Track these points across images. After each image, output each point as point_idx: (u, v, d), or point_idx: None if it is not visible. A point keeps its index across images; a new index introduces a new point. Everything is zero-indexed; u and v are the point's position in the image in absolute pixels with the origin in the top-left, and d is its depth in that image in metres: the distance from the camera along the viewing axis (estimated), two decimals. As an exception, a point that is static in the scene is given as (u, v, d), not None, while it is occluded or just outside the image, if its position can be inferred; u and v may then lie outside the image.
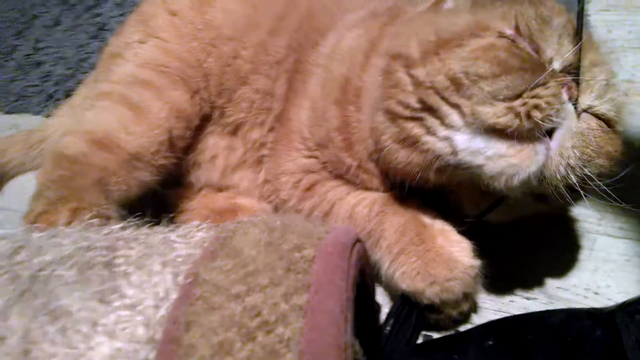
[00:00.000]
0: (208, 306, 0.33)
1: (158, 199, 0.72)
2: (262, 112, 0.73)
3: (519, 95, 0.49)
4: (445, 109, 0.52)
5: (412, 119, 0.55)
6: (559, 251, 0.69)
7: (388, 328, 0.59)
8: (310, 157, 0.68)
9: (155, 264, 0.39)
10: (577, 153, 0.51)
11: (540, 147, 0.50)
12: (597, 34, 0.94)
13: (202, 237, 0.44)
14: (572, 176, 0.51)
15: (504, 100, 0.49)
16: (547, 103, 0.49)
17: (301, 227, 0.42)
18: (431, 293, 0.58)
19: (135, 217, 0.56)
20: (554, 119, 0.50)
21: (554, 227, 0.71)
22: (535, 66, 0.50)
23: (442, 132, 0.53)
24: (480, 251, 0.60)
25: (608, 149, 0.55)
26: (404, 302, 0.61)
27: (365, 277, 0.52)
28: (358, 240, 0.45)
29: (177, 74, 0.71)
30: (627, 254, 0.68)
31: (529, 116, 0.49)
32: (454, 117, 0.52)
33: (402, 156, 0.57)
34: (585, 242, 0.70)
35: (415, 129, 0.54)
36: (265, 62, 0.72)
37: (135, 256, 0.40)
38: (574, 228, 0.72)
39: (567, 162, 0.51)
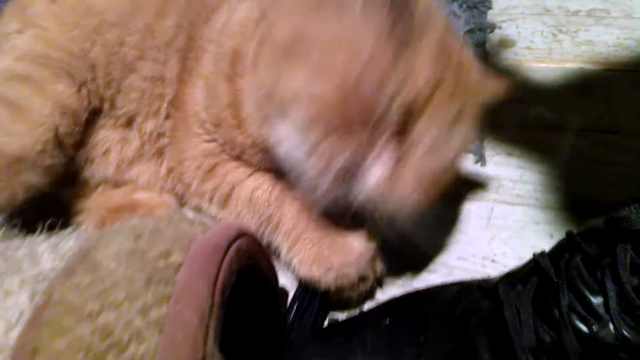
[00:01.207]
0: (57, 329, 0.32)
1: (53, 201, 0.69)
2: (154, 100, 0.69)
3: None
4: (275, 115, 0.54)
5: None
6: (458, 223, 0.71)
7: (292, 314, 0.60)
8: (210, 141, 0.66)
9: (13, 283, 0.37)
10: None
11: (338, 187, 0.53)
12: (499, 2, 0.97)
13: (71, 247, 0.42)
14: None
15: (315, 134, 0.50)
16: (350, 156, 0.51)
17: (173, 230, 0.41)
18: (327, 280, 0.59)
19: (13, 225, 0.54)
20: (354, 171, 0.52)
21: (452, 198, 0.73)
22: (354, 116, 0.50)
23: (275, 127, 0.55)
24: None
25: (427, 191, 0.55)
26: (305, 287, 0.62)
27: (260, 268, 0.52)
28: (240, 236, 0.44)
29: (60, 65, 0.66)
30: (523, 220, 0.70)
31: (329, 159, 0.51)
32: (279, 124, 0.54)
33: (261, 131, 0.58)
34: (482, 211, 0.72)
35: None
36: (152, 46, 0.68)
37: (-9, 275, 0.38)
38: (471, 198, 0.74)
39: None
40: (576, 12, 0.93)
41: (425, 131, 0.50)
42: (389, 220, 0.54)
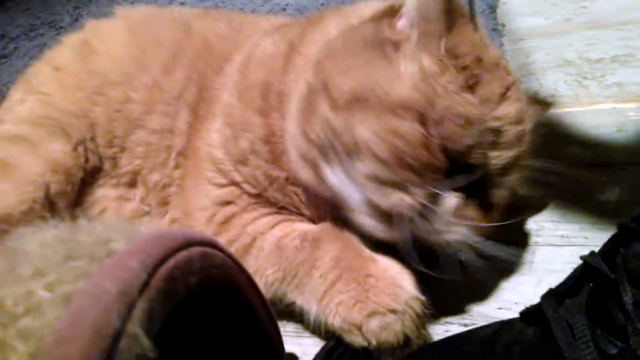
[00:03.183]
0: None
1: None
2: (161, 152, 0.66)
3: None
4: (345, 158, 0.49)
5: (317, 146, 0.51)
6: (496, 271, 0.61)
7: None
8: (225, 185, 0.61)
9: None
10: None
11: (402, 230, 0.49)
12: (516, 60, 0.94)
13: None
14: None
15: (383, 184, 0.47)
16: (420, 206, 0.47)
17: (123, 224, 0.34)
18: (369, 329, 0.49)
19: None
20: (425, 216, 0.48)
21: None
22: (428, 170, 0.47)
23: (337, 172, 0.51)
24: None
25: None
26: (332, 349, 0.51)
27: (243, 292, 0.43)
28: (211, 245, 0.37)
29: (57, 125, 0.66)
30: (572, 261, 0.59)
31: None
32: (347, 168, 0.50)
33: (303, 175, 0.54)
34: (524, 255, 0.61)
35: (320, 158, 0.52)
36: (161, 101, 0.67)
37: None
38: (511, 242, 0.63)
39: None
40: (599, 60, 0.88)
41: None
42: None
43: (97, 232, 0.32)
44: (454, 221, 0.48)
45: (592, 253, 0.39)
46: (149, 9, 0.79)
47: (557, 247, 0.62)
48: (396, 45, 0.49)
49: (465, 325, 0.56)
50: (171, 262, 0.31)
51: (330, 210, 0.57)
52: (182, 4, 1.40)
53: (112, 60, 0.69)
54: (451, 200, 0.48)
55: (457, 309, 0.58)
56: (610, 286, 0.35)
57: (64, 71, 0.70)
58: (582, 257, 0.39)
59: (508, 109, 0.48)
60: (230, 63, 0.65)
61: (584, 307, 0.36)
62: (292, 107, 0.55)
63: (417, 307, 0.50)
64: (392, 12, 0.52)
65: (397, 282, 0.51)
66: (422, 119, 0.46)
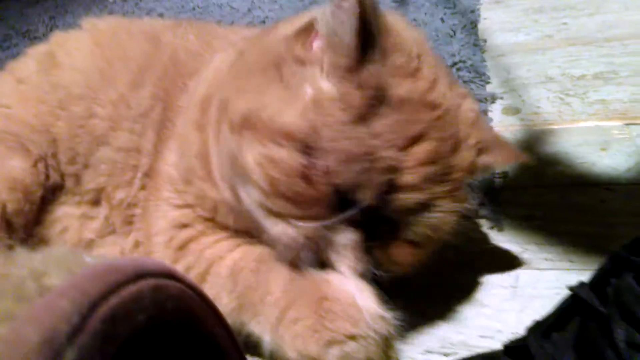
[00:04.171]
0: None
1: None
2: (127, 170, 0.63)
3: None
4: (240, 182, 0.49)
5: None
6: (478, 295, 0.58)
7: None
8: (181, 206, 0.57)
9: None
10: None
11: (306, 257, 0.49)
12: (498, 76, 0.92)
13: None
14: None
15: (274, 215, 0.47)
16: (312, 238, 0.47)
17: (65, 254, 0.31)
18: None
19: None
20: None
21: (468, 269, 0.61)
22: (314, 201, 0.45)
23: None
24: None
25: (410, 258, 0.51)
26: None
27: (203, 324, 0.39)
28: (164, 275, 0.34)
29: (16, 140, 0.62)
30: (557, 285, 0.57)
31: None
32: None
33: (226, 195, 0.53)
34: (506, 280, 0.59)
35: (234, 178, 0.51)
36: (127, 117, 0.64)
37: None
38: (492, 267, 0.61)
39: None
40: (582, 77, 0.87)
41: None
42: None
43: (33, 264, 0.28)
44: (350, 257, 0.47)
45: (581, 284, 0.36)
46: (117, 20, 0.76)
47: (541, 270, 0.59)
48: (302, 65, 0.46)
49: (445, 354, 0.53)
50: (113, 300, 0.28)
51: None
52: (160, 15, 1.37)
53: (77, 73, 0.66)
54: (346, 236, 0.46)
55: (438, 337, 0.55)
56: (600, 321, 0.32)
57: (26, 83, 0.66)
58: (570, 288, 0.37)
59: (416, 150, 0.44)
60: (195, 79, 0.62)
61: (572, 343, 0.33)
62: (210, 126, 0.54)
63: (382, 327, 0.46)
64: (309, 29, 0.47)
65: (355, 302, 0.46)
66: (306, 149, 0.43)
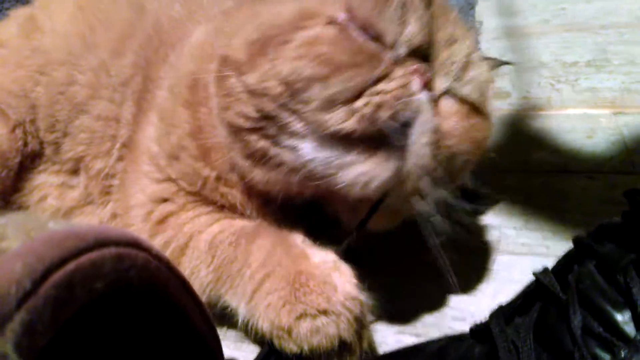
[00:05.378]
0: None
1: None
2: (106, 140, 0.62)
3: (359, 95, 0.41)
4: (285, 116, 0.43)
5: (255, 130, 0.46)
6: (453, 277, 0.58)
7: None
8: (161, 181, 0.57)
9: None
10: (434, 150, 0.43)
11: (392, 150, 0.42)
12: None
13: None
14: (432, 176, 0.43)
15: (343, 103, 0.41)
16: (394, 98, 0.41)
17: (26, 219, 0.31)
18: (299, 332, 0.45)
19: None
20: (405, 115, 0.41)
21: (444, 250, 0.61)
22: (372, 57, 0.42)
23: (287, 141, 0.45)
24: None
25: (473, 134, 0.47)
26: (265, 356, 0.48)
27: (170, 294, 0.39)
28: (129, 244, 0.34)
29: (-6, 105, 0.61)
30: (532, 271, 0.57)
31: (374, 118, 0.40)
32: (295, 124, 0.43)
33: (257, 175, 0.48)
34: (482, 263, 0.59)
35: (260, 141, 0.46)
36: (107, 85, 0.62)
37: None
38: (469, 249, 0.61)
39: (424, 163, 0.42)
40: (574, 64, 0.86)
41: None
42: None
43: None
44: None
45: (544, 270, 0.36)
46: (101, -16, 0.74)
47: (518, 255, 0.59)
48: None
49: (417, 335, 0.53)
50: (70, 266, 0.28)
51: (272, 210, 0.53)
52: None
53: (57, 36, 0.64)
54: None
55: (411, 318, 0.55)
56: (560, 307, 0.32)
57: (6, 47, 0.65)
58: (534, 273, 0.37)
59: None
60: (176, 50, 0.60)
61: (533, 328, 0.33)
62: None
63: (355, 308, 0.46)
64: None
65: (331, 280, 0.46)
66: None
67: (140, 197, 0.57)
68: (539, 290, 0.35)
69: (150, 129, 0.58)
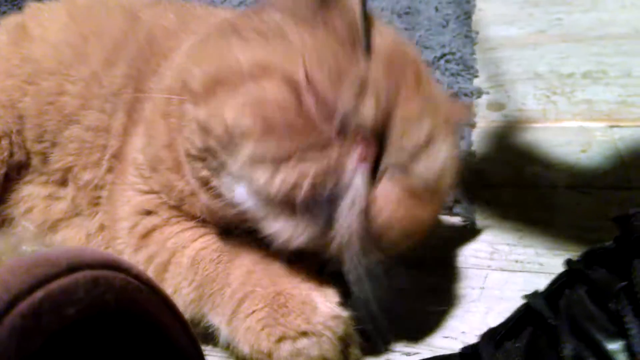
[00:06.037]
0: None
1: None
2: (95, 151, 0.61)
3: (289, 160, 0.40)
4: (223, 157, 0.44)
5: (199, 158, 0.47)
6: (444, 294, 0.57)
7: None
8: (145, 192, 0.56)
9: None
10: (363, 224, 0.42)
11: (317, 216, 0.41)
12: (486, 70, 0.91)
13: None
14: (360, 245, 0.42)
15: (272, 164, 0.40)
16: (322, 170, 0.40)
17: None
18: (280, 356, 0.44)
19: None
20: (333, 188, 0.41)
21: (436, 268, 0.60)
22: (314, 127, 0.41)
23: (225, 179, 0.45)
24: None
25: (414, 216, 0.44)
26: None
27: (149, 314, 0.38)
28: (106, 266, 0.33)
29: (-20, 115, 0.60)
30: (525, 288, 0.56)
31: (296, 185, 0.40)
32: (233, 167, 0.43)
33: (202, 198, 0.49)
34: (474, 280, 0.58)
35: (203, 170, 0.47)
36: (99, 95, 0.62)
37: None
38: (460, 266, 0.60)
39: (349, 234, 0.41)
40: (570, 75, 0.85)
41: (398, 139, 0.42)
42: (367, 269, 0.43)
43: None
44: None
45: (535, 293, 0.35)
46: (95, -7, 0.73)
47: (511, 272, 0.58)
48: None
49: (407, 354, 0.52)
50: (39, 294, 0.27)
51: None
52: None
53: (48, 46, 0.63)
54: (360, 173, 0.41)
55: (402, 337, 0.54)
56: (550, 333, 0.31)
57: (-5, 55, 0.64)
58: (525, 297, 0.36)
59: None
60: (167, 63, 0.60)
61: (523, 354, 0.32)
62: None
63: (338, 327, 0.45)
64: None
65: (311, 299, 0.45)
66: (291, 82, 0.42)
67: (126, 209, 0.56)
68: (530, 315, 0.34)
69: (136, 139, 0.58)
